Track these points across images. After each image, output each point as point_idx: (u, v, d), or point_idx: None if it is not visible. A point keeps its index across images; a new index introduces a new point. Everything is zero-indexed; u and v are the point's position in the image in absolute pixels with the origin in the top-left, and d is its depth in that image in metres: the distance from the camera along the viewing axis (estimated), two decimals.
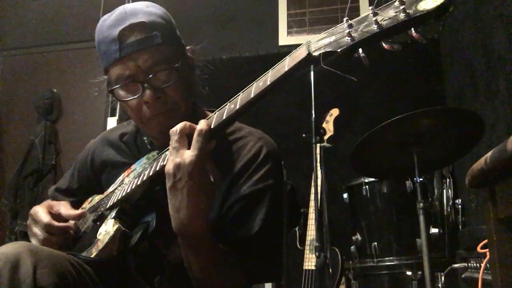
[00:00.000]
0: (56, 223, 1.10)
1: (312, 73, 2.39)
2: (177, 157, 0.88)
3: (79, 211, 1.16)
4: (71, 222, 1.15)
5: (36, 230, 1.11)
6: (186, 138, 0.91)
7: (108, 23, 1.10)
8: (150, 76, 1.07)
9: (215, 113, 0.94)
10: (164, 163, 0.95)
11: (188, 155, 0.88)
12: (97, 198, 1.19)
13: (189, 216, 0.89)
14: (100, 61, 1.14)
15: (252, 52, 3.69)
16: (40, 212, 1.13)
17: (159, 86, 1.08)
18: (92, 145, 1.36)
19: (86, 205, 1.23)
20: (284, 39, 3.75)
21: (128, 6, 1.12)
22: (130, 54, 1.06)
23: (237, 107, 0.85)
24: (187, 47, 1.20)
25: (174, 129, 0.92)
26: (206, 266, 0.96)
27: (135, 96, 1.08)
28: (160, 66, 1.08)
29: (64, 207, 1.16)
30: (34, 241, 1.11)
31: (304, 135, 2.47)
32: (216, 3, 3.98)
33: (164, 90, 1.09)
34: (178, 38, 1.17)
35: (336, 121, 2.76)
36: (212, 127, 0.90)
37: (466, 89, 2.93)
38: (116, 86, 1.10)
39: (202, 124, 0.90)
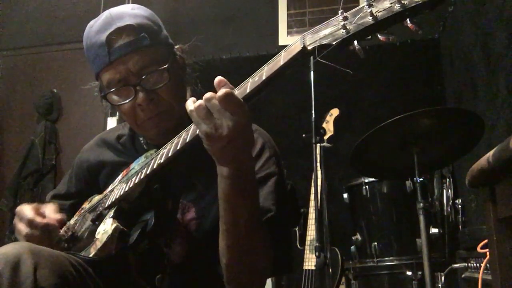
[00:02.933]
0: (38, 219, 1.09)
1: (312, 73, 2.39)
2: (225, 118, 0.80)
3: (59, 216, 1.13)
4: (55, 221, 1.12)
5: (20, 226, 1.10)
6: None
7: (95, 29, 1.11)
8: (142, 78, 1.07)
9: None
10: (162, 161, 0.95)
11: (241, 114, 0.81)
12: (96, 198, 1.20)
13: (249, 155, 0.90)
14: (90, 66, 1.14)
15: (252, 52, 3.70)
16: (25, 209, 1.11)
17: (151, 88, 1.08)
18: (88, 147, 1.35)
19: (86, 205, 1.23)
20: (284, 39, 3.75)
21: (113, 10, 1.13)
22: (119, 58, 1.06)
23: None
24: (176, 46, 1.20)
25: (208, 95, 0.82)
26: (253, 218, 0.94)
27: (128, 100, 1.09)
28: (150, 67, 1.08)
29: (48, 210, 1.14)
30: (19, 238, 1.10)
31: (304, 135, 2.47)
32: (216, 3, 3.98)
33: (156, 91, 1.09)
34: (166, 38, 1.17)
35: (336, 121, 2.76)
36: None
37: (466, 89, 2.93)
38: (108, 91, 1.10)
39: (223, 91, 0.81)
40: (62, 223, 1.15)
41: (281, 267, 1.11)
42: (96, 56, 1.09)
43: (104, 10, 1.16)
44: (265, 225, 1.01)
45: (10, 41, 4.19)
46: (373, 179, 2.60)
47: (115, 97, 1.11)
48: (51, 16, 4.12)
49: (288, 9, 3.83)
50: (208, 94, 0.82)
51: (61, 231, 1.14)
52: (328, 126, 2.74)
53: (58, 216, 1.13)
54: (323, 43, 0.73)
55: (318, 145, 2.44)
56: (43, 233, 1.09)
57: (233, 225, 0.92)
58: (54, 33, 4.09)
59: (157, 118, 1.10)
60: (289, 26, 3.79)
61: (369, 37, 0.71)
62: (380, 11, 0.66)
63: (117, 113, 3.63)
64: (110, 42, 1.07)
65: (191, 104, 0.84)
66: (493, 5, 2.39)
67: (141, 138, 1.24)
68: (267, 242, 0.98)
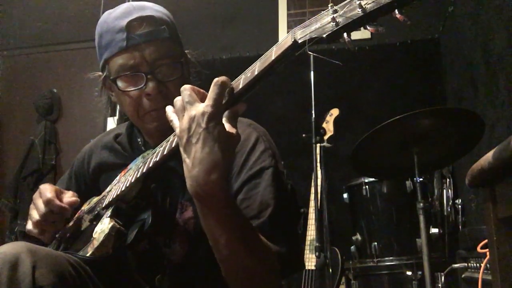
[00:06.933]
0: (57, 201, 1.08)
1: (312, 73, 2.39)
2: (191, 110, 0.81)
3: (74, 199, 1.13)
4: (71, 205, 1.11)
5: (39, 203, 1.09)
6: (199, 94, 0.85)
7: (115, 15, 1.12)
8: (156, 68, 1.07)
9: None
10: (157, 159, 0.95)
11: (203, 105, 0.80)
12: (95, 199, 1.20)
13: (204, 172, 0.78)
14: (99, 54, 1.14)
15: (252, 52, 3.69)
16: (47, 188, 1.11)
17: (162, 79, 1.09)
18: (88, 148, 1.35)
19: (85, 207, 1.23)
20: None
21: (134, 2, 1.14)
22: (137, 44, 1.07)
23: (227, 99, 0.84)
24: (186, 51, 1.22)
25: (185, 86, 0.85)
26: (233, 238, 0.86)
27: (137, 87, 1.08)
28: (165, 59, 1.09)
29: (66, 195, 1.14)
30: (33, 214, 1.09)
31: (304, 135, 2.48)
32: (216, 3, 3.98)
33: (166, 84, 1.09)
34: (180, 39, 1.19)
35: (336, 121, 2.76)
36: None
37: (466, 89, 2.93)
38: (120, 75, 1.09)
39: (220, 77, 0.83)
40: (74, 203, 1.13)
41: (291, 266, 1.08)
42: (112, 40, 1.09)
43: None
44: (266, 223, 0.98)
45: (10, 41, 4.19)
46: (373, 179, 2.60)
47: (123, 83, 1.11)
48: (51, 16, 4.12)
49: (288, 9, 3.83)
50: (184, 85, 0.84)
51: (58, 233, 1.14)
52: (328, 126, 2.74)
53: (74, 199, 1.13)
54: (313, 36, 0.74)
55: (318, 145, 2.44)
56: (57, 216, 1.09)
57: (214, 244, 0.88)
58: (54, 33, 4.09)
59: (161, 111, 1.10)
60: (289, 26, 3.79)
61: (360, 28, 0.72)
62: (369, 3, 0.67)
63: (117, 113, 3.63)
64: (130, 28, 1.08)
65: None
66: (493, 5, 2.39)
67: (139, 139, 1.24)
68: (261, 250, 0.93)
